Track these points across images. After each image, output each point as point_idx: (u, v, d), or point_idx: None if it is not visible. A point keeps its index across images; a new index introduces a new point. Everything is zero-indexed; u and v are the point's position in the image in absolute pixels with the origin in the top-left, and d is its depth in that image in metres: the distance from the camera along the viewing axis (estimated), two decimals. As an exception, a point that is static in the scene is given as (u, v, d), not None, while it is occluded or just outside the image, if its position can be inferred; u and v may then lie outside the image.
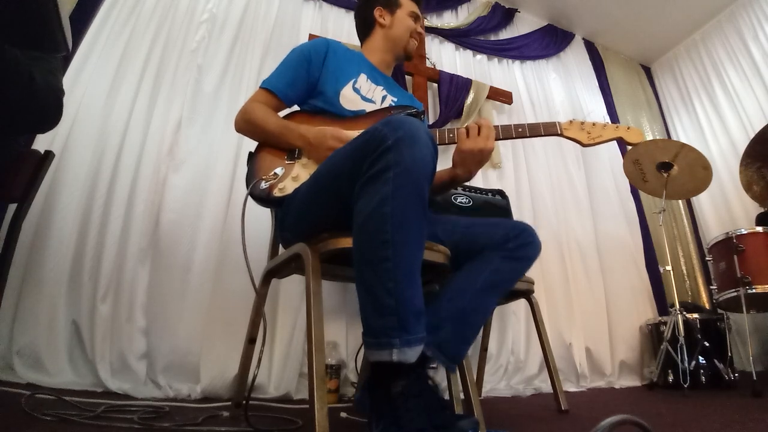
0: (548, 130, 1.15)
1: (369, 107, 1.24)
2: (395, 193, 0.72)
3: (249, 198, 1.06)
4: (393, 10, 1.38)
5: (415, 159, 0.74)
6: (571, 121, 1.17)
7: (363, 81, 1.29)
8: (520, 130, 1.14)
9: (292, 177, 1.07)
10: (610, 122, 1.18)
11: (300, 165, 1.10)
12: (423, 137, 0.76)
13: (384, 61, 1.39)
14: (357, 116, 1.19)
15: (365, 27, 1.42)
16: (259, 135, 1.18)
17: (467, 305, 0.93)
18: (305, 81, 1.23)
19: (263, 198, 1.05)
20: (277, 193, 1.04)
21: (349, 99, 1.23)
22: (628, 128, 1.18)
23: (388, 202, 0.72)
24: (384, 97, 1.31)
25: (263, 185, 1.06)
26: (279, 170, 1.09)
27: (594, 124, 1.18)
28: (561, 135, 1.16)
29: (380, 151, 0.74)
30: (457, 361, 0.94)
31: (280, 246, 1.20)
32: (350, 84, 1.26)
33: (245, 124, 1.19)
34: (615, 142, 3.29)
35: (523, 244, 1.02)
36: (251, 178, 1.10)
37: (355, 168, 0.79)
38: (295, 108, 1.28)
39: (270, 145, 1.16)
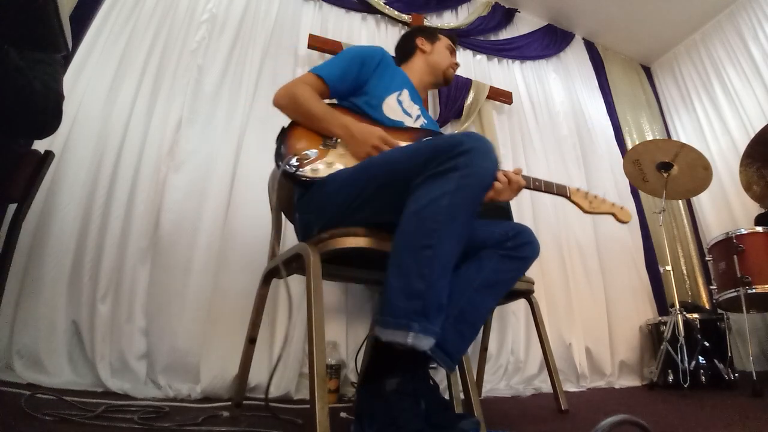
0: (560, 190, 1.27)
1: (407, 120, 1.27)
2: (456, 192, 0.77)
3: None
4: (433, 41, 1.51)
5: (483, 169, 0.80)
6: (578, 189, 1.30)
7: (406, 96, 1.33)
8: (537, 183, 1.23)
9: (327, 162, 1.06)
10: (608, 200, 1.34)
11: (336, 153, 1.10)
12: (494, 156, 0.83)
13: (422, 82, 1.47)
14: (394, 127, 1.21)
15: (406, 52, 1.53)
16: (299, 113, 1.15)
17: (465, 304, 0.93)
18: (354, 79, 1.25)
19: (291, 174, 1.03)
20: (309, 173, 1.03)
21: (391, 107, 1.26)
22: (622, 208, 1.33)
23: (448, 197, 0.77)
24: (418, 117, 1.34)
25: (294, 161, 1.04)
26: (312, 152, 1.08)
27: (596, 197, 1.32)
28: (568, 198, 1.28)
29: (455, 153, 0.79)
30: (455, 360, 0.93)
31: (281, 246, 1.20)
32: (395, 95, 1.29)
33: (288, 100, 1.16)
34: (615, 137, 3.32)
35: (521, 244, 1.03)
36: (283, 155, 1.07)
37: (419, 164, 0.83)
38: (334, 101, 1.28)
39: (306, 126, 1.15)
